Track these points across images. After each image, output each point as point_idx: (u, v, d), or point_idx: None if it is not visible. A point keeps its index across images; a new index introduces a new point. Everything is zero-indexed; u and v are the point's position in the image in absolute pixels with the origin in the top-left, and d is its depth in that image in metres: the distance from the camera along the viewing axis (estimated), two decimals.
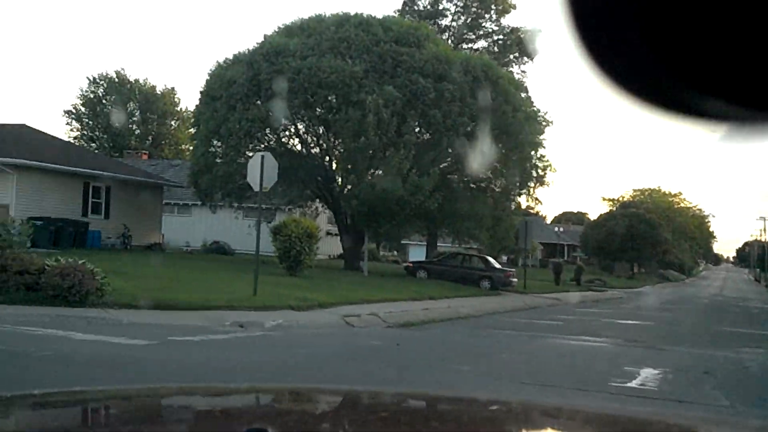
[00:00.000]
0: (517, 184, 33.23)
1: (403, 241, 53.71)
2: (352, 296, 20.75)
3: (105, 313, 14.83)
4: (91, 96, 71.19)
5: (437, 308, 21.31)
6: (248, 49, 32.33)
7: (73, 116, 71.19)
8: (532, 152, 32.71)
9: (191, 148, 70.61)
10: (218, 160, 32.61)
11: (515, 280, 32.99)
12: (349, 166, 29.26)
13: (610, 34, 0.88)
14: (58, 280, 15.18)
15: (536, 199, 34.68)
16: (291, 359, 11.21)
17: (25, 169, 30.07)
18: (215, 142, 32.78)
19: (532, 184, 33.53)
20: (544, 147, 33.72)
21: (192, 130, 42.40)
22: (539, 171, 33.31)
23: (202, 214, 43.17)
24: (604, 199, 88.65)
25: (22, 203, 29.66)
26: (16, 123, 36.74)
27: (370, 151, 27.90)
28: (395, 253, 59.96)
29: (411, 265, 35.53)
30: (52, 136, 39.93)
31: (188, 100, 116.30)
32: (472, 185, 32.98)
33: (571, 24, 0.88)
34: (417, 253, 53.64)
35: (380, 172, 29.73)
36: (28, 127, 36.78)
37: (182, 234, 43.67)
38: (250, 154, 32.64)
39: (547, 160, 33.68)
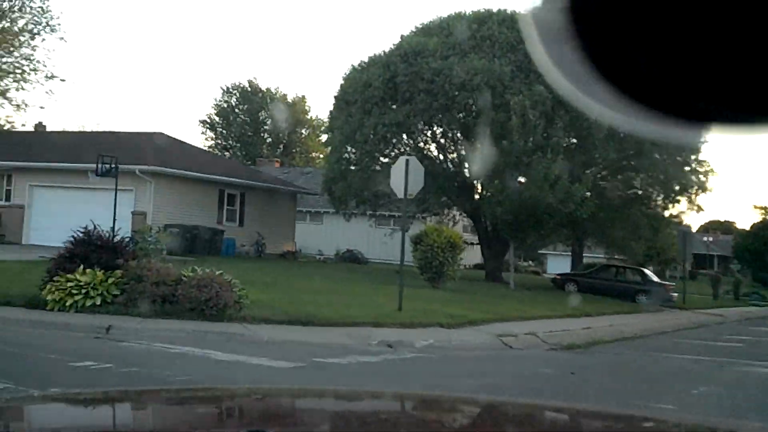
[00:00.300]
0: (676, 190, 30.39)
1: (540, 251, 51.41)
2: (502, 312, 19.00)
3: (244, 328, 13.75)
4: (225, 105, 72.25)
5: (599, 327, 19.25)
6: (384, 51, 31.06)
7: (207, 125, 72.45)
8: (693, 156, 29.90)
9: (321, 156, 71.27)
10: (352, 167, 31.49)
11: (675, 294, 30.36)
12: (492, 172, 27.37)
13: (615, 48, 0.87)
14: (195, 292, 14.22)
15: (698, 206, 31.70)
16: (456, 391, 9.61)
17: (162, 176, 29.87)
18: (349, 148, 31.68)
19: (693, 191, 30.66)
20: (700, 151, 30.79)
21: (324, 137, 41.66)
22: (700, 176, 30.44)
23: (334, 221, 42.43)
24: (755, 207, 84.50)
25: (158, 210, 29.47)
26: (153, 131, 36.91)
27: (515, 156, 25.96)
28: (531, 263, 57.52)
29: (558, 277, 33.36)
30: (189, 144, 40.05)
31: (318, 108, 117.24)
32: (626, 192, 30.44)
33: (578, 42, 0.86)
34: (556, 264, 51.43)
35: (523, 178, 27.70)
36: (165, 135, 36.85)
37: (314, 241, 43.04)
38: (385, 160, 31.53)
39: (708, 164, 30.70)
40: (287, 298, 16.97)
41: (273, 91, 72.30)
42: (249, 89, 71.61)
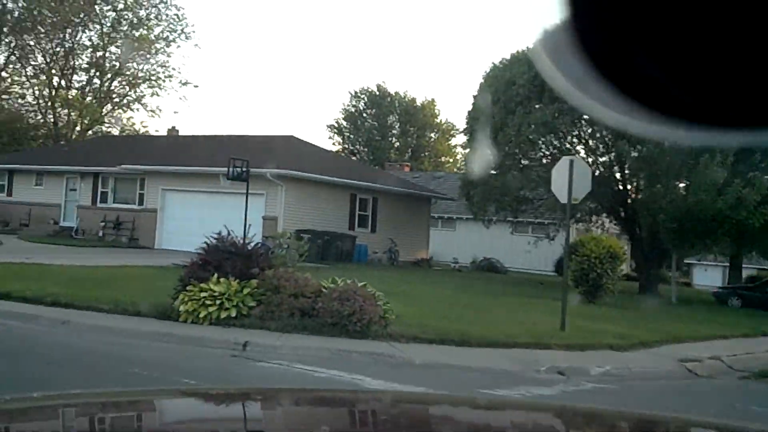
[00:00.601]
0: None
1: (686, 261, 48.13)
2: (673, 331, 16.72)
3: (391, 348, 12.21)
4: (353, 110, 71.77)
5: None
6: (528, 47, 29.08)
7: (335, 130, 72.16)
8: None
9: (451, 160, 69.64)
10: (493, 171, 29.63)
11: None
12: (651, 176, 24.83)
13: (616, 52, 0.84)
14: (337, 305, 12.83)
15: None
16: None
17: (294, 180, 28.93)
18: (489, 150, 29.84)
19: None
20: None
21: (453, 141, 40.09)
22: None
23: (468, 227, 40.75)
24: None
25: (289, 215, 28.56)
26: (284, 134, 36.28)
27: (680, 158, 23.39)
28: (677, 273, 54.01)
29: (719, 290, 30.50)
30: (319, 147, 39.26)
31: (448, 111, 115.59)
32: None
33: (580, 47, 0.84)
34: (703, 275, 48.24)
35: (681, 183, 25.02)
36: (296, 138, 36.13)
37: (446, 249, 41.34)
38: (525, 162, 29.60)
39: None
40: (433, 312, 15.48)
41: (402, 94, 71.33)
42: (377, 93, 70.87)
